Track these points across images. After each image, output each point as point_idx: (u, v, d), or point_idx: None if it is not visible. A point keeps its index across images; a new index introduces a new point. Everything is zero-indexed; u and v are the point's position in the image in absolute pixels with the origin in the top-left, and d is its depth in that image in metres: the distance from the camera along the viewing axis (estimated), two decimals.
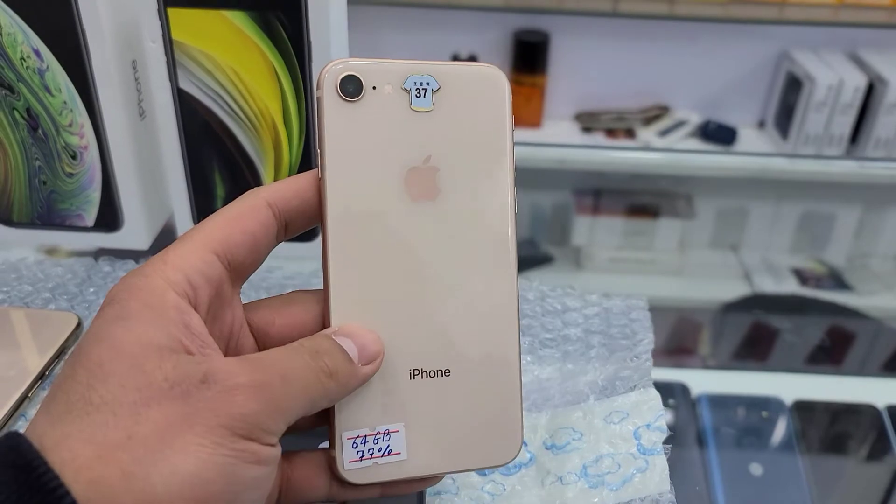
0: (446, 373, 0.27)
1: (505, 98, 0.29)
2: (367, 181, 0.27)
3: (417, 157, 0.27)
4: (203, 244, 0.25)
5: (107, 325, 0.22)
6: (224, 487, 0.21)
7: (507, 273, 0.28)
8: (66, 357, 0.23)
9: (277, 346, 0.25)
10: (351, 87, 0.26)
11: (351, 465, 0.27)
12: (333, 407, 0.27)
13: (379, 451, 0.27)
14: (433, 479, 0.29)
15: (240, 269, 0.26)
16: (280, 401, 0.23)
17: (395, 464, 0.27)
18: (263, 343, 0.28)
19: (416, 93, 0.27)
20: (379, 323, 0.27)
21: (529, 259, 1.31)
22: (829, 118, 1.23)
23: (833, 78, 1.21)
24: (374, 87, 0.27)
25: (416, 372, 0.27)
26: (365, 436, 0.27)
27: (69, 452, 0.20)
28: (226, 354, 0.26)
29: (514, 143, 0.29)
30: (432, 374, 0.27)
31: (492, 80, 0.28)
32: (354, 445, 0.27)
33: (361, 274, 0.27)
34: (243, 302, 0.28)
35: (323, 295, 0.27)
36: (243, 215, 0.26)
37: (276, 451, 0.23)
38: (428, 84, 0.27)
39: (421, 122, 0.27)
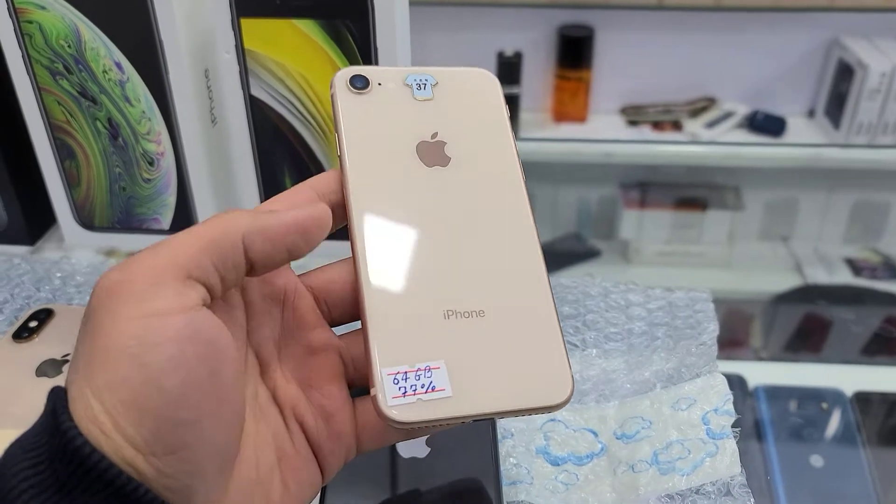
0: (480, 313, 0.28)
1: (496, 89, 0.33)
2: (382, 154, 0.30)
3: (425, 132, 0.31)
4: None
5: None
6: (140, 378, 0.21)
7: (526, 220, 0.30)
8: None
9: (343, 300, 0.28)
10: (359, 83, 0.31)
11: (394, 401, 0.25)
12: (370, 348, 0.26)
13: (422, 386, 0.26)
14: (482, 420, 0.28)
15: None
16: (160, 265, 0.23)
17: (440, 401, 0.26)
18: (327, 298, 0.30)
19: (416, 86, 0.32)
20: (408, 268, 0.28)
21: (576, 253, 1.31)
22: (883, 106, 1.21)
23: (887, 65, 1.19)
24: (379, 84, 0.31)
25: (451, 313, 0.27)
26: (406, 372, 0.26)
27: (68, 392, 0.22)
28: (283, 313, 0.28)
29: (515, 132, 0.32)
30: (466, 314, 0.28)
31: (482, 77, 0.33)
32: (395, 381, 0.26)
33: (387, 230, 0.29)
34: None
35: (352, 255, 0.28)
36: (287, 196, 0.29)
37: (186, 320, 0.23)
38: (426, 80, 0.32)
39: (424, 106, 0.31)
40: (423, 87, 0.32)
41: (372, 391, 0.26)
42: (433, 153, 0.30)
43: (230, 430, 0.24)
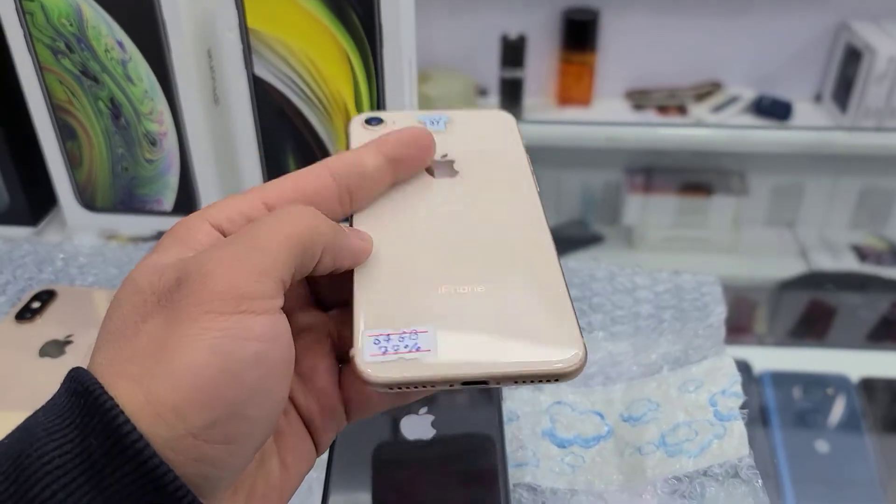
0: (479, 289, 0.26)
1: (513, 125, 0.33)
2: None
3: (436, 154, 0.31)
4: (253, 195, 0.27)
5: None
6: (221, 368, 0.21)
7: (539, 222, 0.29)
8: None
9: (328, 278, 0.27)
10: (374, 121, 0.33)
11: (372, 358, 0.24)
12: (356, 315, 0.25)
13: (405, 347, 0.24)
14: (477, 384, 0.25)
15: None
16: (256, 263, 0.23)
17: (422, 360, 0.24)
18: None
19: (429, 122, 0.33)
20: (405, 249, 0.27)
21: (578, 239, 1.31)
22: (891, 90, 1.20)
23: (895, 49, 1.18)
24: (394, 122, 0.32)
25: (446, 286, 0.26)
26: (389, 334, 0.25)
27: (97, 375, 0.22)
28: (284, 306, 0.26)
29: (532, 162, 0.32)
30: (463, 289, 0.26)
31: (499, 115, 0.34)
32: (377, 342, 0.24)
33: (388, 221, 0.28)
34: None
35: None
36: (300, 176, 0.28)
37: (273, 321, 0.23)
38: (440, 118, 0.33)
39: (436, 136, 0.31)
40: (436, 123, 0.33)
41: (351, 352, 0.24)
42: (441, 168, 0.31)
43: (272, 429, 0.24)
